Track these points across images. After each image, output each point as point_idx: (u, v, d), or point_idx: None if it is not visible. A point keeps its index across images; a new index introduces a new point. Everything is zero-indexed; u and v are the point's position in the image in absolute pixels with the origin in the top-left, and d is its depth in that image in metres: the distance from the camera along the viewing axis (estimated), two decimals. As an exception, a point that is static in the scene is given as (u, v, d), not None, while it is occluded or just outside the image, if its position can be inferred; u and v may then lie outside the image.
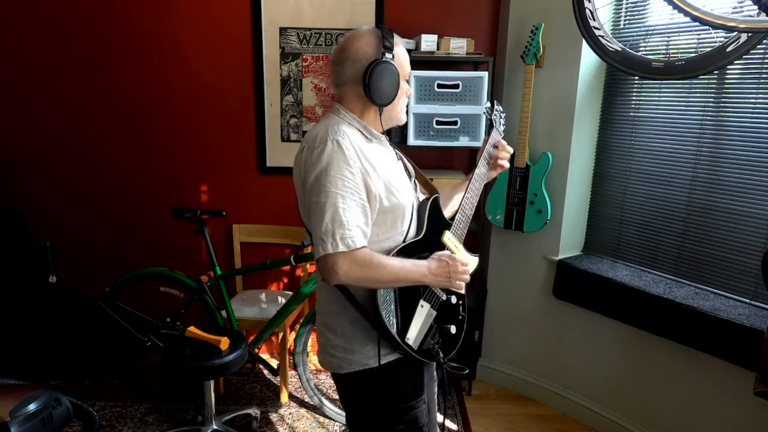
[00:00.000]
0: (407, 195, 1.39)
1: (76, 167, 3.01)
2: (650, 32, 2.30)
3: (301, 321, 2.70)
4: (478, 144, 2.60)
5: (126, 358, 2.86)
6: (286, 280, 3.13)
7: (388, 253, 1.32)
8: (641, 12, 2.36)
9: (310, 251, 2.77)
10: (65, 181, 3.03)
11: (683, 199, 2.26)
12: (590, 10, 2.11)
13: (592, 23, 2.11)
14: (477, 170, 1.51)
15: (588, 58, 2.44)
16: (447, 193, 1.60)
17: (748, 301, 2.09)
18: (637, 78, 2.35)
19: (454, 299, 1.44)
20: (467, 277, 1.36)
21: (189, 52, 2.86)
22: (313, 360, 3.14)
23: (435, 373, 1.55)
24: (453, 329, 1.42)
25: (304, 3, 2.78)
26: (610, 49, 2.08)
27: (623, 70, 2.07)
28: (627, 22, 2.42)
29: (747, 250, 2.07)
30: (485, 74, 2.54)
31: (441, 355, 1.37)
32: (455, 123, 2.58)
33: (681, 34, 2.18)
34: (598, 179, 2.63)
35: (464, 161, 2.96)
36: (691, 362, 2.17)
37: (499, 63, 2.78)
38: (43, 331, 2.87)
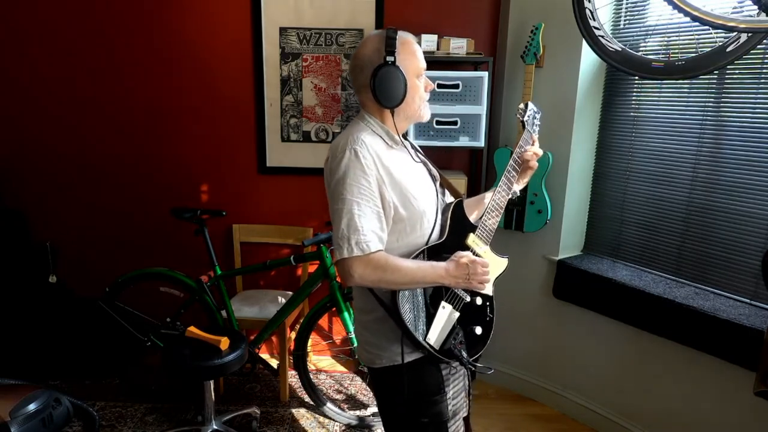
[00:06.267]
0: (427, 201, 1.41)
1: (76, 167, 3.01)
2: (650, 32, 2.30)
3: (301, 321, 2.70)
4: (478, 144, 2.61)
5: (126, 358, 2.86)
6: (286, 280, 3.13)
7: (408, 256, 1.36)
8: (641, 12, 2.36)
9: (310, 251, 2.77)
10: (65, 181, 3.03)
11: (683, 199, 2.26)
12: (590, 10, 2.11)
13: (592, 23, 2.11)
14: (505, 174, 1.51)
15: (588, 58, 2.44)
16: (475, 201, 1.62)
17: (748, 301, 2.09)
18: (637, 78, 2.35)
19: (479, 301, 1.46)
20: (488, 278, 1.39)
21: (189, 52, 2.86)
22: (314, 360, 3.15)
23: (463, 372, 1.58)
24: (478, 330, 1.45)
25: (304, 3, 2.78)
26: (610, 49, 2.07)
27: (623, 70, 2.07)
28: (627, 22, 2.42)
29: (747, 250, 2.07)
30: (485, 74, 2.54)
31: (464, 354, 1.39)
32: (455, 123, 2.57)
33: (681, 34, 2.18)
34: (598, 179, 2.63)
35: (464, 161, 2.96)
36: (691, 362, 2.17)
37: (499, 63, 2.78)
38: (43, 331, 2.87)
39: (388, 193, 1.33)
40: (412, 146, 1.50)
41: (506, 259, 1.51)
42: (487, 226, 1.47)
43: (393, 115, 1.38)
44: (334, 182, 1.32)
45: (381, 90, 1.33)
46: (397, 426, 1.51)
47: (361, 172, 1.29)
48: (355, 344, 2.51)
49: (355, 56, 1.40)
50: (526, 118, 1.59)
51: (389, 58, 1.33)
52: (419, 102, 1.41)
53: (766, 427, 1.94)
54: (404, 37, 1.37)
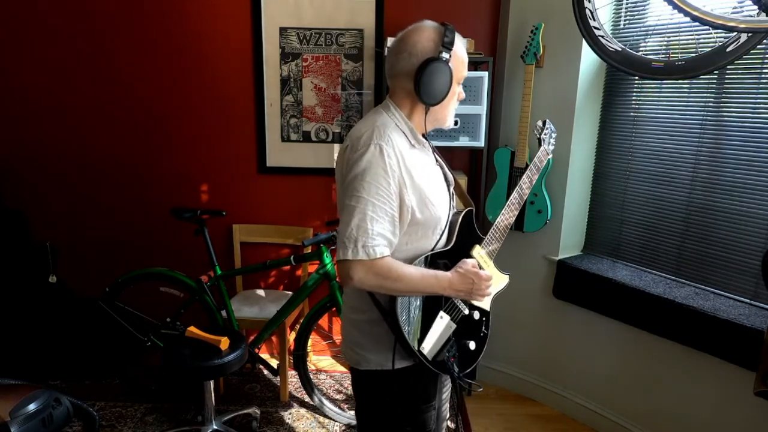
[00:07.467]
0: (442, 207, 1.35)
1: (76, 167, 3.01)
2: (650, 32, 2.30)
3: (301, 321, 2.70)
4: (478, 144, 2.61)
5: (126, 358, 2.86)
6: (286, 280, 3.13)
7: (414, 259, 1.31)
8: (641, 12, 2.36)
9: (310, 251, 2.77)
10: (65, 181, 3.03)
11: (683, 199, 2.26)
12: (590, 10, 2.11)
13: (592, 23, 2.11)
14: (518, 190, 1.48)
15: (588, 58, 2.44)
16: None
17: (748, 301, 2.09)
18: (637, 78, 2.35)
19: (477, 315, 1.43)
20: (489, 291, 1.36)
21: (189, 52, 2.86)
22: (313, 360, 3.15)
23: (449, 380, 1.55)
24: (472, 345, 1.40)
25: (304, 3, 2.78)
26: (610, 49, 2.07)
27: (623, 70, 2.07)
28: (627, 22, 2.42)
29: (747, 250, 2.07)
30: (485, 74, 2.54)
31: (455, 368, 1.35)
32: (455, 123, 2.57)
33: (681, 34, 2.18)
34: (598, 179, 2.63)
35: (464, 161, 2.96)
36: (691, 362, 2.17)
37: (499, 63, 2.78)
38: (43, 331, 2.87)
39: (408, 197, 1.26)
40: (433, 148, 1.44)
41: (507, 276, 1.49)
42: (493, 241, 1.43)
43: (426, 113, 1.32)
44: (351, 176, 1.23)
45: (426, 83, 1.25)
46: (375, 430, 1.46)
47: (382, 171, 1.21)
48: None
49: (403, 40, 1.31)
50: (543, 135, 1.57)
51: (444, 55, 1.26)
52: (450, 108, 1.36)
53: (766, 427, 1.94)
54: (460, 40, 1.32)
